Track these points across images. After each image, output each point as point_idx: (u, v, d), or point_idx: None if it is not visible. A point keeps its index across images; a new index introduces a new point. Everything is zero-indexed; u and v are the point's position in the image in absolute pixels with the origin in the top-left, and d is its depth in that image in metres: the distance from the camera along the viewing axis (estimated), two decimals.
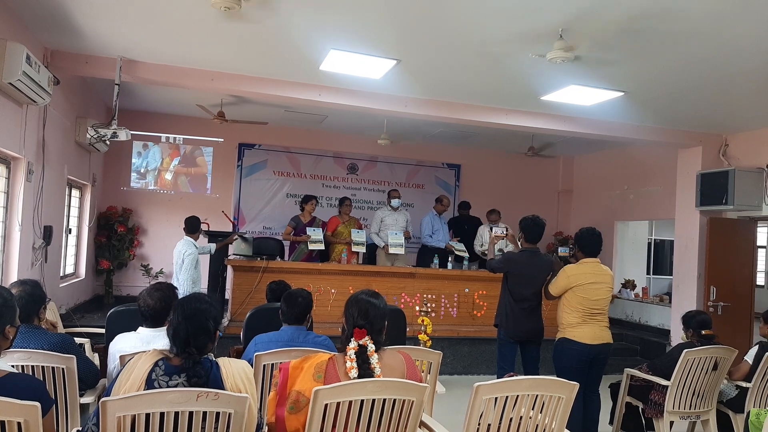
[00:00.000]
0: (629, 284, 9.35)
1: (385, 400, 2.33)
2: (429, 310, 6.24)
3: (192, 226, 6.47)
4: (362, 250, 7.56)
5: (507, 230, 5.48)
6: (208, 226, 7.26)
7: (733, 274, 7.19)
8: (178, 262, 6.33)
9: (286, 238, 7.81)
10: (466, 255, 7.76)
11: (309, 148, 9.77)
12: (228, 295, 7.18)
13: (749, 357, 4.43)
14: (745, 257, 7.32)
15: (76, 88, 6.63)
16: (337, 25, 4.58)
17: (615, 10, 3.96)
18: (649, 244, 10.45)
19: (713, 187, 7.08)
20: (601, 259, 4.51)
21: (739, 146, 7.34)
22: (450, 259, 7.73)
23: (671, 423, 4.28)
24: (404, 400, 2.38)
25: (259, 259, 6.84)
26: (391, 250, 7.54)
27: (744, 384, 4.33)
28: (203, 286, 6.90)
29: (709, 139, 7.46)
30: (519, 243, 5.01)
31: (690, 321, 4.50)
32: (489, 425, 2.70)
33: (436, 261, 7.61)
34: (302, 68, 5.69)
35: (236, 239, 6.90)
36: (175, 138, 8.86)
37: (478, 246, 8.16)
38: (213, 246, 6.84)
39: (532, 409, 2.72)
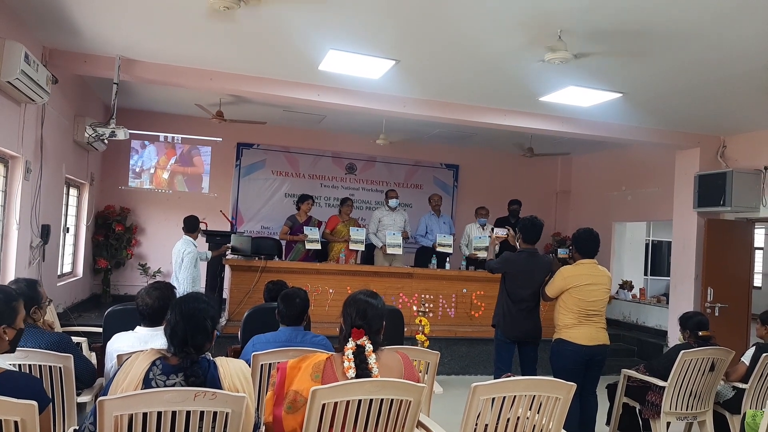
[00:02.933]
0: (627, 285, 9.37)
1: (382, 400, 2.34)
2: (427, 310, 6.26)
3: (191, 226, 6.49)
4: (361, 248, 7.54)
5: (509, 231, 5.47)
6: (206, 226, 7.26)
7: (731, 275, 7.19)
8: (178, 261, 6.35)
9: (283, 238, 7.82)
10: (450, 251, 7.70)
11: (307, 147, 9.77)
12: (226, 294, 7.18)
13: (746, 358, 4.44)
14: (743, 259, 7.32)
15: (74, 86, 6.62)
16: (336, 25, 4.57)
17: (613, 12, 3.96)
18: (647, 245, 10.47)
19: (711, 189, 7.09)
20: (599, 260, 4.52)
21: (737, 148, 7.35)
22: (447, 259, 7.70)
23: (668, 424, 4.29)
24: (402, 400, 2.38)
25: (257, 258, 6.84)
26: (389, 251, 7.53)
27: (741, 385, 4.34)
28: (202, 285, 6.90)
29: (707, 140, 7.47)
30: (517, 243, 5.01)
31: (687, 322, 4.51)
32: (486, 425, 2.70)
33: (434, 261, 7.60)
34: (301, 68, 5.68)
35: (229, 248, 6.90)
36: (173, 137, 8.86)
37: (464, 245, 8.10)
38: (210, 253, 6.83)
39: (530, 409, 2.73)
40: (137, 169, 9.18)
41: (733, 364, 4.40)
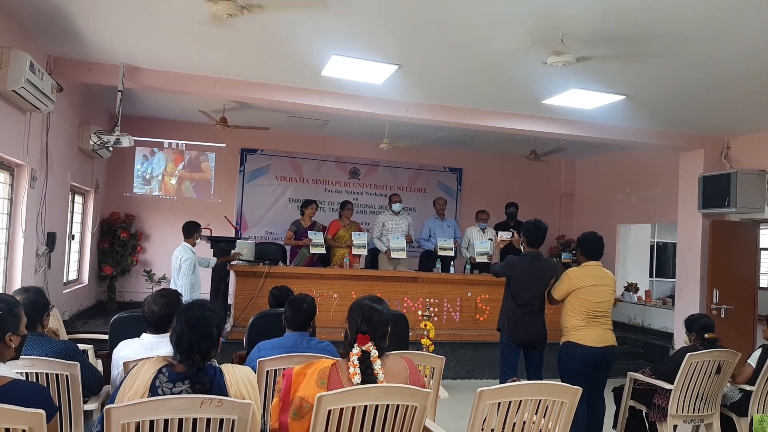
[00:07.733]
0: (632, 287, 9.34)
1: (388, 405, 2.34)
2: (431, 314, 6.24)
3: (189, 231, 6.42)
4: (363, 252, 7.55)
5: (513, 235, 5.47)
6: (211, 232, 7.26)
7: (736, 276, 7.18)
8: (176, 267, 6.24)
9: (288, 243, 7.83)
10: (452, 255, 7.69)
11: (311, 153, 9.79)
12: (231, 300, 7.18)
13: (752, 360, 4.42)
14: (748, 260, 7.31)
15: (79, 94, 6.65)
16: (338, 31, 4.59)
17: (616, 14, 3.96)
18: (652, 247, 10.44)
19: (715, 190, 7.08)
20: (604, 263, 4.53)
21: (741, 149, 7.34)
22: (452, 263, 7.68)
23: (675, 427, 4.28)
24: (407, 406, 2.38)
25: (261, 264, 6.84)
26: (393, 255, 7.54)
27: (747, 387, 4.32)
28: (204, 291, 6.87)
29: (711, 141, 7.46)
30: (521, 247, 5.01)
31: (692, 324, 4.49)
32: (492, 430, 2.70)
33: (438, 265, 7.60)
34: (304, 74, 5.71)
35: (238, 255, 6.84)
36: (177, 144, 8.89)
37: (464, 248, 8.09)
38: (214, 260, 6.74)
39: (536, 413, 2.72)
40: (147, 176, 9.22)
41: (739, 367, 4.38)
